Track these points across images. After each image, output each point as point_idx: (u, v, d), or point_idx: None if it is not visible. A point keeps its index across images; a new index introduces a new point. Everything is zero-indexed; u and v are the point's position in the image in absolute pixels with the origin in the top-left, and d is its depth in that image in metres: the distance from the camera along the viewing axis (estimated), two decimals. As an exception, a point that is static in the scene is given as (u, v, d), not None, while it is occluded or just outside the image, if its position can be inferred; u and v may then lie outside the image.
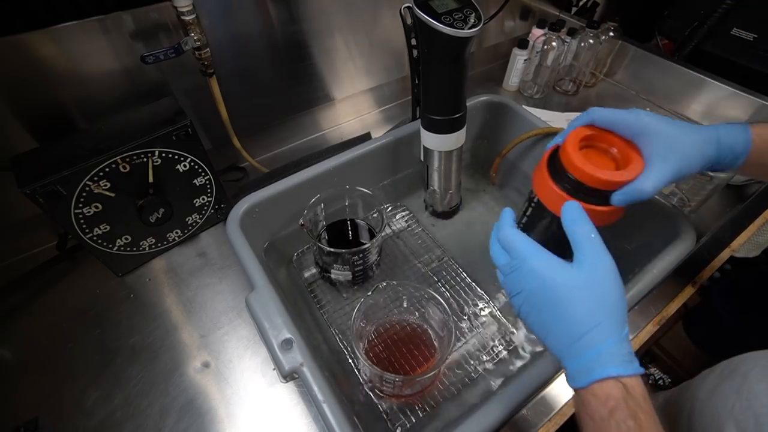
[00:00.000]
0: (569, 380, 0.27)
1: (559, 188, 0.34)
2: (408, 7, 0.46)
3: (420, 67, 0.49)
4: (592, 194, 0.34)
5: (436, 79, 0.48)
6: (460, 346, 0.48)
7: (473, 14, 0.41)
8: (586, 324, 0.26)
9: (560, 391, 0.44)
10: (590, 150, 0.36)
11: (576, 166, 0.33)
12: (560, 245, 0.36)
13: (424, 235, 0.60)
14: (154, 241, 0.56)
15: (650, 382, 0.92)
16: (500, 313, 0.51)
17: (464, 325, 0.50)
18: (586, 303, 0.27)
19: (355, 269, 0.48)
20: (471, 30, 0.40)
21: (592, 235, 0.29)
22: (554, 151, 0.37)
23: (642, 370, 0.26)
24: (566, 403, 0.43)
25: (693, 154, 0.33)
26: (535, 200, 0.38)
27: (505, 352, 0.48)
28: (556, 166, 0.36)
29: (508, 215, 0.35)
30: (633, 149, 0.35)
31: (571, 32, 0.84)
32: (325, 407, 0.33)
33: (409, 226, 0.62)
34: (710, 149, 0.34)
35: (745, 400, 0.34)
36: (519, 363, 0.47)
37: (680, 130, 0.34)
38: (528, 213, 0.40)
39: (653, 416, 0.25)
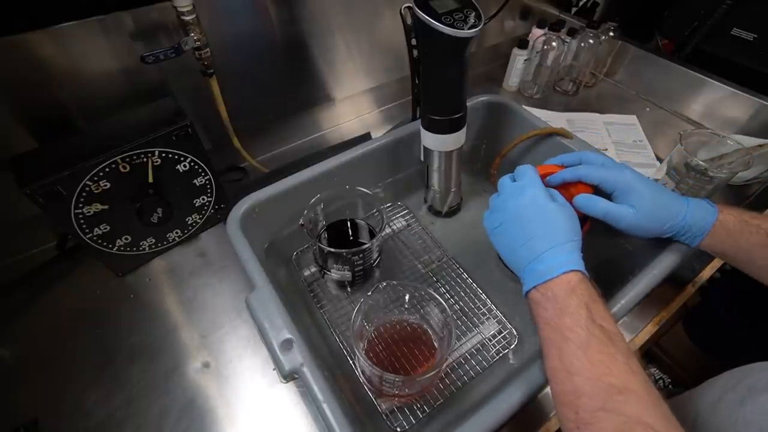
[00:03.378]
0: (537, 279, 0.34)
1: None
2: (408, 7, 0.46)
3: (420, 67, 0.49)
4: None
5: (436, 79, 0.47)
6: (459, 346, 0.48)
7: (473, 14, 0.41)
8: (568, 236, 0.36)
9: (560, 391, 0.44)
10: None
11: None
12: None
13: (424, 234, 0.60)
14: (154, 241, 0.56)
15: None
16: (500, 312, 0.51)
17: (464, 325, 0.50)
18: (568, 223, 0.37)
19: (355, 269, 0.48)
20: (471, 30, 0.40)
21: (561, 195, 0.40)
22: None
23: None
24: (566, 403, 0.43)
25: (656, 217, 0.39)
26: None
27: (504, 352, 0.48)
28: None
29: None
30: (584, 187, 0.42)
31: (571, 32, 0.84)
32: (325, 407, 0.33)
33: (409, 225, 0.62)
34: (676, 219, 0.39)
35: (749, 413, 0.34)
36: (519, 362, 0.47)
37: (654, 193, 0.39)
38: None
39: (600, 296, 0.33)
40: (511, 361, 0.47)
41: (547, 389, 0.43)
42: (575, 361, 0.30)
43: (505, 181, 0.42)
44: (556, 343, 0.31)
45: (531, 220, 0.37)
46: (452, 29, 0.40)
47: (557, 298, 0.33)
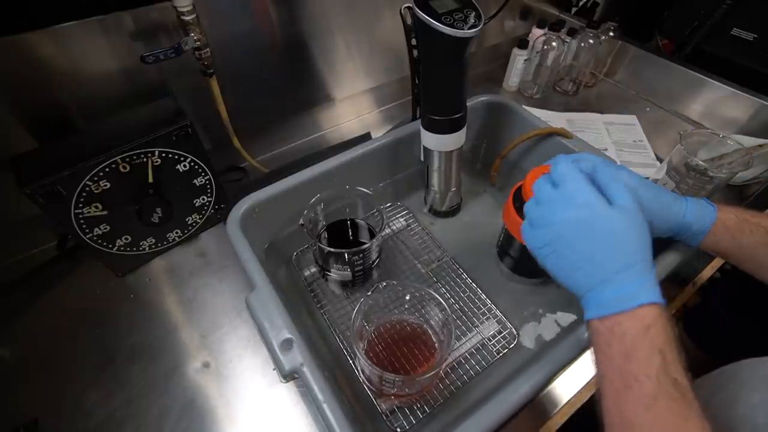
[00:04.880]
0: (602, 309, 0.29)
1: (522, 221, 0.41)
2: (408, 7, 0.46)
3: (420, 67, 0.49)
4: None
5: (436, 79, 0.48)
6: (459, 346, 0.48)
7: (473, 14, 0.41)
8: (635, 256, 0.29)
9: (561, 391, 0.44)
10: None
11: None
12: (530, 266, 0.50)
13: (424, 235, 0.60)
14: (154, 241, 0.56)
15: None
16: (500, 312, 0.51)
17: (464, 325, 0.50)
18: (636, 238, 0.30)
19: (355, 269, 0.48)
20: (471, 30, 0.40)
21: (623, 186, 0.32)
22: (518, 188, 0.45)
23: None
24: (567, 403, 0.43)
25: (659, 217, 0.37)
26: (505, 229, 0.49)
27: (504, 352, 0.48)
28: (520, 201, 0.44)
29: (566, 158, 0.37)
30: None
31: (571, 32, 0.84)
32: (326, 407, 0.33)
33: (409, 226, 0.62)
34: (677, 218, 0.38)
35: (741, 409, 0.34)
36: (519, 363, 0.47)
37: (655, 194, 0.38)
38: (501, 238, 0.53)
39: (676, 335, 0.28)
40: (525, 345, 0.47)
41: (548, 389, 0.43)
42: (634, 416, 0.26)
43: (543, 186, 0.35)
44: (616, 388, 0.28)
45: (589, 237, 0.30)
46: (452, 29, 0.40)
47: (625, 337, 0.28)
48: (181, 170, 0.52)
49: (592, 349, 0.31)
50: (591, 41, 0.83)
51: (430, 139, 0.53)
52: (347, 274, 0.48)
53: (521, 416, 0.41)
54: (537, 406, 0.44)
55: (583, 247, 0.31)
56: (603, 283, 0.29)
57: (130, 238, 0.53)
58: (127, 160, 0.47)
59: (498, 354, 0.48)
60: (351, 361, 0.47)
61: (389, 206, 0.64)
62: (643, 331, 0.27)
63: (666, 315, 0.28)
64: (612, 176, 0.33)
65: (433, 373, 0.38)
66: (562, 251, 0.32)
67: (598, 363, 0.30)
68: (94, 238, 0.50)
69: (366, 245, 0.45)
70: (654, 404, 0.25)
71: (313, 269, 0.56)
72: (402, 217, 0.63)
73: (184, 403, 0.45)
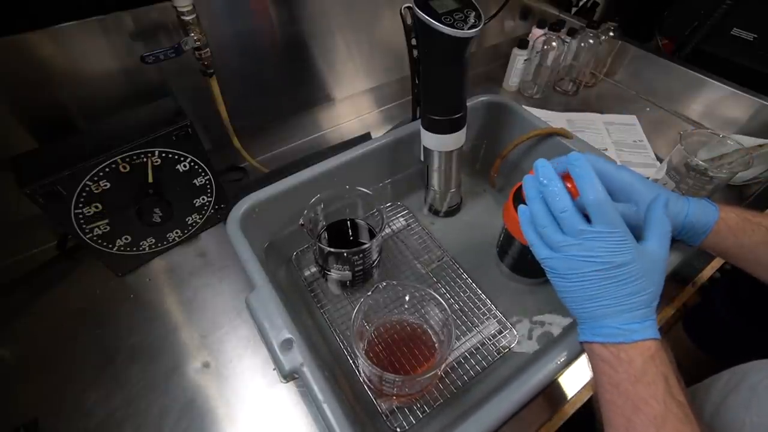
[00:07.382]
0: (608, 337, 0.31)
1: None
2: (408, 7, 0.46)
3: (420, 67, 0.49)
4: None
5: (436, 79, 0.48)
6: (459, 346, 0.48)
7: (473, 14, 0.41)
8: (650, 296, 0.31)
9: (561, 391, 0.44)
10: None
11: None
12: (530, 266, 0.49)
13: (424, 234, 0.60)
14: (154, 241, 0.56)
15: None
16: (500, 312, 0.51)
17: (464, 325, 0.50)
18: (657, 280, 0.32)
19: (355, 269, 0.48)
20: (471, 30, 0.40)
21: (660, 224, 0.33)
22: (518, 188, 0.45)
23: None
24: (568, 402, 0.43)
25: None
26: (505, 229, 0.50)
27: (504, 351, 0.48)
28: (520, 201, 0.42)
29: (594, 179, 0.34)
30: None
31: (571, 32, 0.84)
32: (326, 407, 0.33)
33: (409, 225, 0.62)
34: (679, 218, 0.38)
35: (755, 416, 0.34)
36: (519, 362, 0.47)
37: (656, 193, 0.37)
38: (501, 238, 0.53)
39: (676, 369, 0.30)
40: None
41: (548, 389, 0.43)
42: None
43: (575, 219, 0.33)
44: (625, 413, 0.29)
45: (610, 277, 0.31)
46: (452, 29, 0.40)
47: (633, 363, 0.30)
48: (181, 170, 0.52)
49: (592, 372, 0.32)
50: (591, 41, 0.83)
51: (430, 139, 0.53)
52: (347, 274, 0.48)
53: (522, 416, 0.41)
54: (538, 405, 0.44)
55: (603, 283, 0.32)
56: (610, 316, 0.31)
57: (130, 238, 0.53)
58: (127, 160, 0.47)
59: (498, 354, 0.47)
60: (351, 361, 0.47)
61: (389, 206, 0.64)
62: (649, 358, 0.29)
63: (665, 348, 0.30)
64: (662, 212, 0.34)
65: (433, 373, 0.38)
66: (581, 282, 0.32)
67: (601, 385, 0.31)
68: (94, 238, 0.50)
69: (366, 245, 0.45)
70: (664, 425, 0.27)
71: (313, 269, 0.56)
72: (402, 217, 0.63)
73: (184, 403, 0.45)
